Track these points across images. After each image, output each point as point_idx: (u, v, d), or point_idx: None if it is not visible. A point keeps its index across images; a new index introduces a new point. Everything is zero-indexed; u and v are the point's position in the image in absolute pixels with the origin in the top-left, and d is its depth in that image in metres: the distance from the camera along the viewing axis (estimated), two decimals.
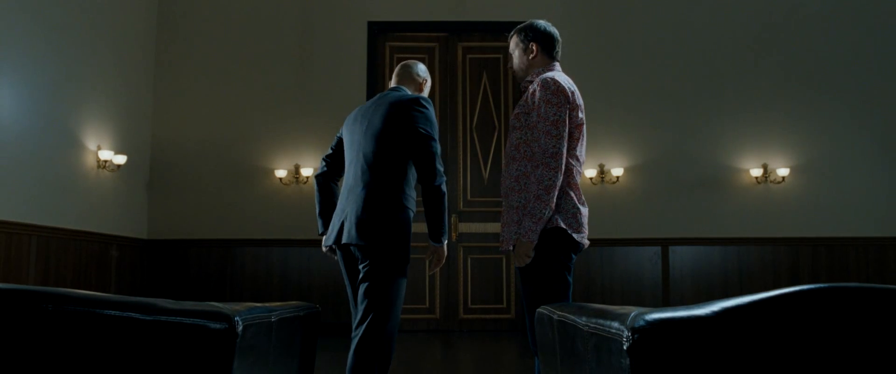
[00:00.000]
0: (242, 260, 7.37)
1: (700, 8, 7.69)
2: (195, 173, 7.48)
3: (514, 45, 2.94)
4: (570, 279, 2.74)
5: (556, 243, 2.66)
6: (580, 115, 2.69)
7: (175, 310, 1.57)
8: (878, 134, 7.46)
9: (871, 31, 7.59)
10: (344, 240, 2.71)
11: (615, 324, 1.41)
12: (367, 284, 2.72)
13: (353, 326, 2.74)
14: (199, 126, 7.55)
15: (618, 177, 7.40)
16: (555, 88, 2.64)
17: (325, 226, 2.97)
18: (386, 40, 7.85)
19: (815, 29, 7.62)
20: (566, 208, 2.67)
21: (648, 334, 1.31)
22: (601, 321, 1.51)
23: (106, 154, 6.41)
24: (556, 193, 2.60)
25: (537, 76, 2.78)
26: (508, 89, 7.79)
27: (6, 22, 5.21)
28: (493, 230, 7.56)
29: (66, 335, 1.57)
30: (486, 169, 7.76)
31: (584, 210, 2.74)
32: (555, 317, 2.06)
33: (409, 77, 3.01)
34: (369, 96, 7.59)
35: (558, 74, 2.77)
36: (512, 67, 2.98)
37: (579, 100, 2.71)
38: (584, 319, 1.67)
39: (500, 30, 7.83)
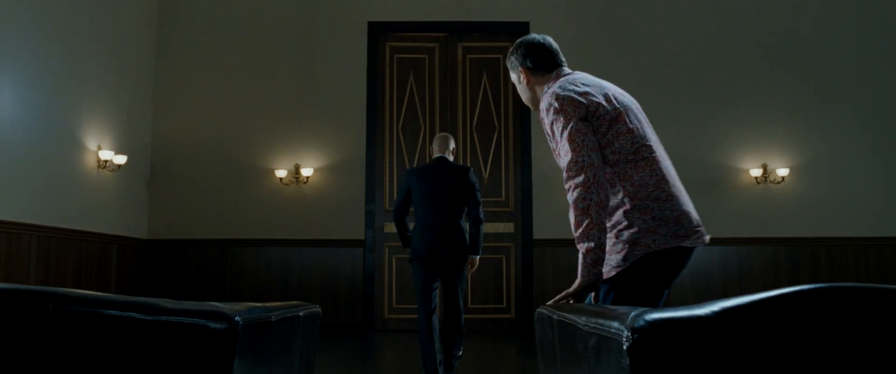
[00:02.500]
0: (242, 260, 7.37)
1: (700, 9, 7.70)
2: (195, 173, 7.48)
3: (513, 77, 2.58)
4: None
5: (644, 273, 2.10)
6: (608, 107, 2.25)
7: (175, 310, 1.57)
8: (877, 134, 7.46)
9: (871, 32, 7.59)
10: (441, 254, 4.31)
11: (615, 324, 1.40)
12: (456, 278, 4.36)
13: (430, 309, 4.31)
14: (199, 126, 7.55)
15: None
16: (558, 104, 2.26)
17: (408, 245, 4.53)
18: (386, 40, 7.85)
19: (815, 30, 7.62)
20: (640, 222, 2.14)
21: (648, 334, 1.31)
22: (601, 321, 1.51)
23: (106, 154, 6.41)
24: (600, 210, 2.14)
25: (545, 94, 2.40)
26: (508, 89, 7.79)
27: (7, 23, 5.21)
28: (493, 230, 7.56)
29: (66, 335, 1.57)
30: (486, 169, 7.76)
31: (668, 208, 2.16)
32: (555, 317, 2.06)
33: (448, 149, 4.55)
34: (369, 97, 7.62)
35: (563, 80, 2.38)
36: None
37: (597, 95, 2.28)
38: (584, 319, 1.67)
39: (500, 30, 7.83)
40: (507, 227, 7.64)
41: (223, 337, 1.55)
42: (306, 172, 7.42)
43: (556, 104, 2.27)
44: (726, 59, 7.62)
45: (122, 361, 1.55)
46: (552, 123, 2.27)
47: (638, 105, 2.40)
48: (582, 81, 2.36)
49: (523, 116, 7.64)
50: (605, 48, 7.67)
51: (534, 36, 2.56)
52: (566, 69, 2.50)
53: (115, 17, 6.82)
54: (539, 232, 7.44)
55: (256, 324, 1.75)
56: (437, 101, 7.82)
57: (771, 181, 7.40)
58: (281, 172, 7.45)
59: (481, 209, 4.39)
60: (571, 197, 2.21)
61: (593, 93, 2.29)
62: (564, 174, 2.23)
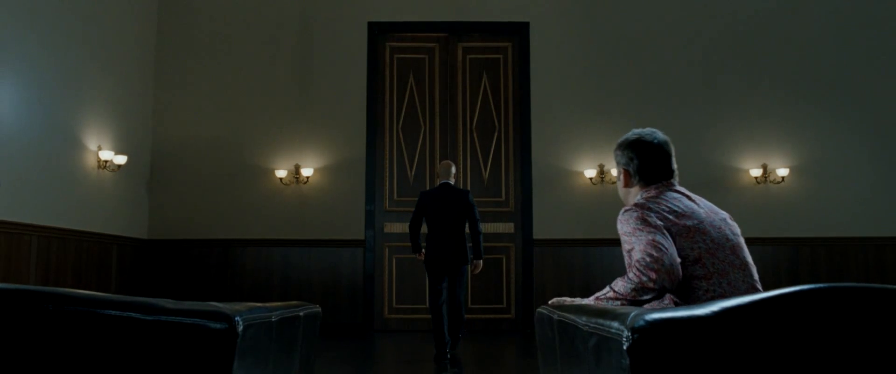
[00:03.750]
0: (242, 260, 7.37)
1: (700, 10, 7.70)
2: (195, 173, 7.48)
3: (614, 171, 2.43)
4: None
5: None
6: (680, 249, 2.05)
7: (175, 310, 1.57)
8: (877, 134, 7.46)
9: (870, 33, 7.59)
10: (446, 261, 5.35)
11: (615, 324, 1.41)
12: (458, 277, 5.42)
13: (439, 301, 5.32)
14: (200, 126, 7.55)
15: None
16: (637, 215, 2.06)
17: (420, 250, 5.61)
18: (386, 41, 7.85)
19: (815, 31, 7.62)
20: None
21: (648, 334, 1.31)
22: (601, 321, 1.51)
23: (106, 154, 6.41)
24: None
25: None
26: (508, 89, 7.79)
27: (7, 23, 5.21)
28: (492, 230, 7.56)
29: (66, 335, 1.57)
30: (485, 169, 7.76)
31: None
32: (555, 317, 2.06)
33: (451, 175, 5.60)
34: (369, 97, 7.62)
35: (654, 198, 2.15)
36: None
37: (675, 226, 2.08)
38: (584, 319, 1.67)
39: (500, 30, 7.83)
40: (507, 227, 7.64)
41: (223, 337, 1.55)
42: (306, 172, 7.42)
43: (634, 221, 2.07)
44: (726, 59, 7.62)
45: (122, 361, 1.55)
46: (626, 233, 2.08)
47: (723, 229, 2.14)
48: (675, 206, 2.11)
49: (523, 116, 7.64)
50: (604, 49, 7.66)
51: (649, 135, 2.25)
52: (674, 183, 2.23)
53: (116, 17, 6.82)
54: (539, 232, 7.44)
55: (256, 324, 1.75)
56: (437, 101, 7.81)
57: (771, 181, 7.40)
58: (281, 172, 7.44)
59: (480, 224, 5.53)
60: (625, 283, 2.03)
61: (665, 216, 2.06)
62: (634, 268, 2.03)
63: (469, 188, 7.76)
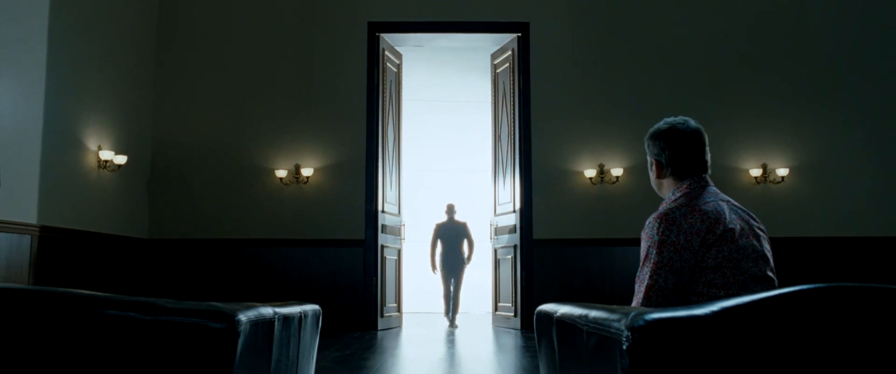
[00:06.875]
0: (242, 260, 7.37)
1: (700, 10, 7.70)
2: (196, 173, 7.48)
3: (648, 158, 2.27)
4: None
5: None
6: (694, 257, 1.97)
7: (175, 310, 1.57)
8: (876, 134, 7.46)
9: (869, 34, 7.59)
10: (452, 266, 8.39)
11: (615, 324, 1.41)
12: (459, 277, 8.43)
13: (448, 296, 8.44)
14: (200, 126, 7.55)
15: (618, 177, 7.40)
16: (659, 236, 1.97)
17: (435, 267, 8.58)
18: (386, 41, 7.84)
19: (814, 32, 7.62)
20: None
21: (648, 333, 1.31)
22: (601, 321, 1.51)
23: (107, 154, 6.41)
24: None
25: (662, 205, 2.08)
26: (508, 89, 7.79)
27: (7, 23, 5.21)
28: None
29: (66, 334, 1.57)
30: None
31: None
32: (555, 317, 2.06)
33: (454, 213, 8.42)
34: (369, 96, 7.61)
35: (682, 202, 2.05)
36: None
37: (695, 240, 1.98)
38: (583, 319, 1.67)
39: (502, 30, 7.83)
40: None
41: (223, 337, 1.55)
42: (306, 172, 7.42)
43: (657, 234, 1.98)
44: (726, 59, 7.62)
45: (122, 361, 1.55)
46: (645, 241, 2.03)
47: (751, 237, 2.05)
48: (707, 215, 2.00)
49: (524, 117, 7.64)
50: (604, 49, 7.66)
51: (681, 124, 2.17)
52: (706, 180, 2.14)
53: (116, 17, 6.82)
54: (539, 232, 7.44)
55: (257, 324, 1.75)
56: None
57: (771, 181, 7.40)
58: (281, 172, 7.44)
59: (473, 244, 8.35)
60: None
61: (692, 239, 1.97)
62: (641, 296, 2.02)
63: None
